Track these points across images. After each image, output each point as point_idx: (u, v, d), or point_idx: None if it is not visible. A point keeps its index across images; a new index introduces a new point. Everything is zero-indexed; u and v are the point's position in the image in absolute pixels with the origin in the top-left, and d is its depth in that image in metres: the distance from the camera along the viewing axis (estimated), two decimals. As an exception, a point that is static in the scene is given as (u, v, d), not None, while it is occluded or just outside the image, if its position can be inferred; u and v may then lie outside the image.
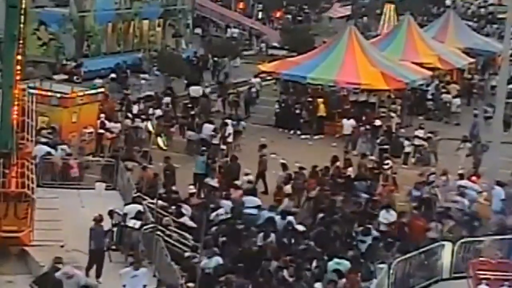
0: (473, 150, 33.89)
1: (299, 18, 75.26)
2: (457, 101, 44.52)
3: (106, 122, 32.64)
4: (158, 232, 21.50)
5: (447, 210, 25.75)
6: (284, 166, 29.34)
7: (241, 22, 66.80)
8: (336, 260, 20.96)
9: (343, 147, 35.66)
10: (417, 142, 35.51)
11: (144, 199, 23.71)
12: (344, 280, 20.07)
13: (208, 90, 42.44)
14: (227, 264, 20.61)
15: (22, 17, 22.13)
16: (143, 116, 34.78)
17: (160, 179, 27.45)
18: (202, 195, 27.57)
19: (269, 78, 45.91)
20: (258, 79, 45.25)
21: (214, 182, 27.56)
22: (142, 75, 45.53)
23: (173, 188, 26.67)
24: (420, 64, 44.50)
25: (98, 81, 41.07)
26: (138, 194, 24.05)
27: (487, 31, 70.87)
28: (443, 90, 45.80)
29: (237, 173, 28.88)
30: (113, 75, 44.19)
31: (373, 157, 32.99)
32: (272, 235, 22.46)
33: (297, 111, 39.64)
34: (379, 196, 27.49)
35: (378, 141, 35.13)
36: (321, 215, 24.80)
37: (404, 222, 24.73)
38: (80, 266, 20.21)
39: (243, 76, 48.55)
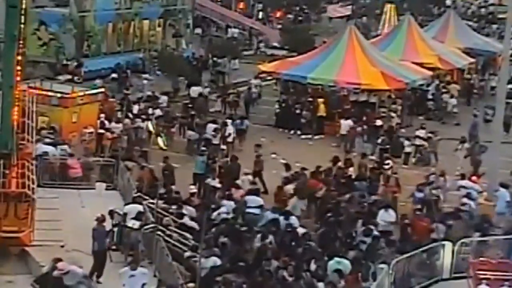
0: (471, 151, 33.90)
1: (299, 18, 75.30)
2: (453, 101, 44.47)
3: (107, 122, 32.65)
4: (159, 232, 21.50)
5: (457, 211, 25.71)
6: (287, 166, 29.34)
7: (241, 22, 66.81)
8: (336, 259, 20.98)
9: (343, 146, 35.71)
10: (417, 142, 35.53)
11: (145, 199, 23.71)
12: (344, 280, 20.09)
13: (207, 90, 42.43)
14: (226, 264, 20.61)
15: (22, 17, 22.12)
16: (143, 116, 34.80)
17: (157, 178, 27.43)
18: (202, 195, 27.57)
19: (269, 78, 45.91)
20: (258, 80, 45.19)
21: (215, 183, 27.54)
22: (144, 75, 45.56)
23: (173, 188, 26.67)
24: (420, 64, 44.50)
25: (98, 81, 41.11)
26: (138, 194, 24.05)
27: (487, 31, 70.84)
28: (444, 90, 45.81)
29: (237, 173, 28.86)
30: (114, 75, 44.22)
31: (373, 157, 33.00)
32: (271, 237, 22.44)
33: (297, 111, 39.64)
34: (382, 197, 27.47)
35: (379, 141, 35.13)
36: (327, 215, 24.76)
37: (407, 223, 24.74)
38: (81, 266, 20.19)
39: (243, 76, 48.57)
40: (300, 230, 23.37)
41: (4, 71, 22.10)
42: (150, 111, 36.01)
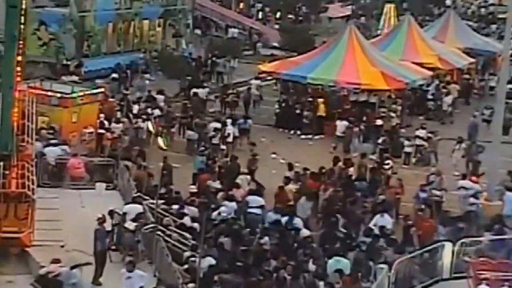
0: (468, 151, 33.89)
1: (300, 18, 75.27)
2: (449, 99, 44.35)
3: (107, 122, 32.64)
4: (158, 232, 21.51)
5: (467, 214, 25.64)
6: (290, 166, 29.32)
7: (241, 22, 66.80)
8: (336, 258, 20.98)
9: (342, 147, 35.66)
10: (418, 142, 35.52)
11: (145, 199, 23.71)
12: (342, 281, 20.10)
13: (206, 90, 42.36)
14: (224, 264, 20.59)
15: (22, 17, 22.13)
16: (143, 116, 34.79)
17: (154, 178, 27.40)
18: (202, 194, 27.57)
19: (269, 78, 45.89)
20: (258, 81, 45.03)
21: (217, 184, 27.50)
22: (146, 76, 45.53)
23: (172, 187, 26.67)
24: (420, 64, 44.47)
25: (98, 81, 41.07)
26: (138, 194, 24.05)
27: (487, 31, 70.83)
28: (444, 90, 45.79)
29: (237, 173, 28.87)
30: (114, 75, 44.20)
31: (373, 157, 33.00)
32: (266, 238, 22.37)
33: (297, 111, 39.63)
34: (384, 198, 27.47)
35: (379, 141, 35.10)
36: (334, 217, 24.76)
37: (410, 224, 24.74)
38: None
39: (243, 76, 48.55)
40: (305, 232, 23.36)
41: (4, 71, 22.10)
42: (149, 111, 36.01)
